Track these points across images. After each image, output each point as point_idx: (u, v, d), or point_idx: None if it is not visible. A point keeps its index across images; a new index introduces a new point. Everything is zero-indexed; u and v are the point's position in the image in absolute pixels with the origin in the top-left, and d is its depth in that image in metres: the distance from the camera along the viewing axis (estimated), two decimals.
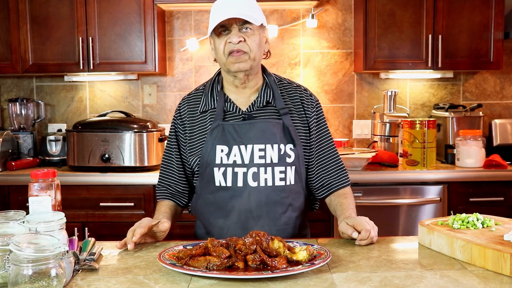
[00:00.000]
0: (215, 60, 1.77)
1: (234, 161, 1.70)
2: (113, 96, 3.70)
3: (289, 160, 1.73)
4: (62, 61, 3.33)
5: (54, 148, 3.43)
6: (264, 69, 1.84)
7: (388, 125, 3.44)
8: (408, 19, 3.32)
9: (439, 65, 3.32)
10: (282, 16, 3.65)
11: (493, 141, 3.56)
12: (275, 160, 1.71)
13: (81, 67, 3.31)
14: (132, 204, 3.04)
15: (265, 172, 1.70)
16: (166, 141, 1.90)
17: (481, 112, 3.43)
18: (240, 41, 1.66)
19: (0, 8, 3.32)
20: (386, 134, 3.45)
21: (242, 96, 1.78)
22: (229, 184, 1.71)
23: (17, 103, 3.56)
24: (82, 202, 3.07)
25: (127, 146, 3.14)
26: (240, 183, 1.70)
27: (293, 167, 1.74)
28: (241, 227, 1.70)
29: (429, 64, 3.32)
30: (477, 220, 1.52)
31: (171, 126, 1.87)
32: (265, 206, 1.71)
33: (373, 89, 3.71)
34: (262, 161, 1.70)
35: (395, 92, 3.49)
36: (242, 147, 1.70)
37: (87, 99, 3.71)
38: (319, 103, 1.86)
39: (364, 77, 3.71)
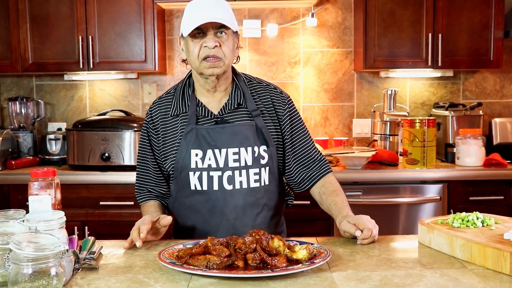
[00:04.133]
0: (183, 61, 1.77)
1: (209, 165, 1.71)
2: (113, 95, 3.70)
3: (263, 162, 1.75)
4: (62, 60, 3.33)
5: (54, 147, 3.42)
6: (233, 71, 1.83)
7: (388, 124, 3.43)
8: (408, 18, 3.32)
9: (439, 64, 3.32)
10: (282, 15, 3.65)
11: (493, 140, 3.55)
12: (250, 163, 1.73)
13: (81, 66, 3.31)
14: (132, 203, 3.04)
15: (240, 175, 1.72)
16: (138, 146, 1.88)
17: (481, 111, 3.43)
18: (216, 46, 1.65)
19: (0, 7, 3.32)
20: (386, 133, 3.44)
21: (213, 100, 1.79)
22: (205, 188, 1.72)
23: (17, 102, 3.56)
24: (82, 201, 3.07)
25: (127, 145, 3.14)
26: (215, 187, 1.72)
27: (267, 168, 1.76)
28: (218, 230, 1.72)
29: (429, 63, 3.32)
30: (477, 219, 1.52)
31: (143, 130, 1.86)
32: (241, 208, 1.73)
33: (373, 88, 3.70)
34: (237, 164, 1.72)
35: (395, 91, 3.48)
36: (216, 151, 1.71)
37: (87, 98, 3.71)
38: (291, 99, 1.88)
39: (364, 76, 3.70)
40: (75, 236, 1.53)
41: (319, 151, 1.91)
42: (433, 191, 3.07)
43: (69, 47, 3.32)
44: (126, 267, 1.38)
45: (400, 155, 3.30)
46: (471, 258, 1.36)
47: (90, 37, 3.29)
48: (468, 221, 1.52)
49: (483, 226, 1.51)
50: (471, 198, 3.07)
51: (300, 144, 1.86)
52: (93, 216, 3.08)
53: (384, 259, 1.42)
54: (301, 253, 1.36)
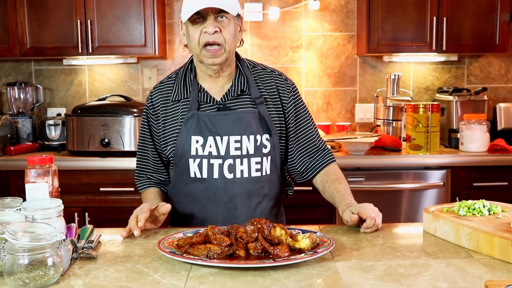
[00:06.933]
0: (185, 46, 1.72)
1: (210, 153, 1.68)
2: (113, 80, 3.66)
3: (265, 151, 1.71)
4: (61, 44, 3.29)
5: (54, 133, 3.40)
6: (237, 56, 1.79)
7: (391, 109, 3.39)
8: (412, 1, 3.26)
9: (444, 48, 3.28)
10: None
11: (497, 125, 3.51)
12: (251, 151, 1.69)
13: (80, 51, 3.27)
14: (132, 189, 3.01)
15: (241, 164, 1.68)
16: (139, 131, 1.86)
17: (485, 96, 3.38)
18: (216, 31, 1.61)
19: None
20: (389, 118, 3.41)
21: (215, 85, 1.74)
22: (205, 175, 1.69)
23: (16, 87, 3.52)
24: (82, 187, 3.04)
25: (127, 131, 3.11)
26: (216, 175, 1.68)
27: (269, 157, 1.73)
28: (216, 219, 1.69)
29: (433, 47, 3.28)
30: (484, 207, 1.49)
31: (143, 115, 1.82)
32: (241, 198, 1.69)
33: (376, 72, 3.66)
34: (238, 152, 1.68)
35: (398, 76, 3.44)
36: (218, 138, 1.68)
37: (86, 83, 3.67)
38: (296, 87, 1.83)
39: (367, 60, 3.66)
40: (74, 225, 1.51)
41: (322, 140, 1.87)
42: (436, 177, 3.04)
43: (67, 31, 3.27)
44: (125, 256, 1.36)
45: (403, 140, 3.26)
46: (477, 247, 1.33)
47: (88, 21, 3.24)
48: (474, 209, 1.49)
49: (489, 214, 1.48)
50: (475, 184, 3.04)
51: (304, 132, 1.82)
52: (93, 203, 3.06)
53: (388, 248, 1.39)
54: (303, 242, 1.33)
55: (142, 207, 1.58)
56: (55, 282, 1.17)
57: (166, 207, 1.58)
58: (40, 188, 1.47)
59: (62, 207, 1.39)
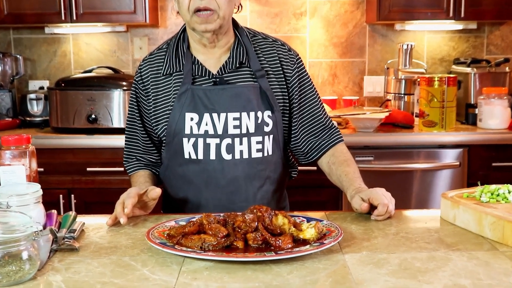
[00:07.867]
0: (178, 13, 1.66)
1: (206, 131, 1.63)
2: (100, 50, 3.60)
3: (267, 129, 1.66)
4: (42, 10, 3.23)
5: (36, 108, 3.37)
6: (235, 24, 1.73)
7: (403, 82, 3.36)
8: None
9: (462, 15, 3.22)
10: None
11: None
12: (252, 130, 1.64)
13: (63, 18, 3.21)
14: (122, 169, 2.93)
15: (241, 143, 1.63)
16: (128, 109, 1.80)
17: (507, 68, 3.34)
18: None
19: None
20: (401, 92, 3.38)
21: (211, 57, 1.69)
22: (200, 156, 1.64)
23: None
24: (67, 166, 3.00)
25: (116, 106, 3.07)
26: (212, 156, 1.63)
27: (271, 136, 1.68)
28: (213, 204, 1.65)
29: (451, 14, 3.22)
30: (509, 192, 1.43)
31: (132, 91, 1.77)
32: (240, 181, 1.65)
33: (387, 42, 3.61)
34: (237, 131, 1.63)
35: (411, 46, 3.40)
36: (215, 115, 1.63)
37: (71, 53, 3.61)
38: (300, 58, 1.78)
39: (377, 29, 3.60)
40: (54, 211, 1.46)
41: (329, 117, 1.82)
42: (451, 156, 3.00)
43: None
44: (111, 248, 1.31)
45: (416, 116, 3.24)
46: (502, 238, 1.28)
47: None
48: (498, 195, 1.43)
49: None
50: (494, 164, 3.00)
51: (309, 109, 1.77)
52: (80, 184, 3.02)
53: (402, 239, 1.34)
54: (308, 232, 1.28)
55: (129, 191, 1.53)
56: (32, 278, 1.12)
57: (156, 192, 1.53)
58: (16, 171, 1.43)
59: (40, 192, 1.35)
